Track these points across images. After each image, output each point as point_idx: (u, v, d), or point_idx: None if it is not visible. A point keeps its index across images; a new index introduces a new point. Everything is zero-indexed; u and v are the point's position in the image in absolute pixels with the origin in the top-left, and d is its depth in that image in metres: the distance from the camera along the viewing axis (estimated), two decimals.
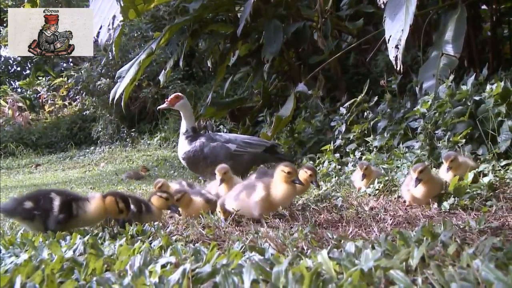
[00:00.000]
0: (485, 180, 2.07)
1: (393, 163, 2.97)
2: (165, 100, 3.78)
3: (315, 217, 1.95)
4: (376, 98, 3.73)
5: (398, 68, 2.83)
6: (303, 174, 2.11)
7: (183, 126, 3.75)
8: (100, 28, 4.37)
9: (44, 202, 1.78)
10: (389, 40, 2.92)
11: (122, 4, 4.04)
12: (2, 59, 17.38)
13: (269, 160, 3.87)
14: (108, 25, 4.23)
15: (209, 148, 3.63)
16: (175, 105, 3.71)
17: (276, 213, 2.13)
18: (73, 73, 11.19)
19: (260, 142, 3.75)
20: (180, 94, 3.78)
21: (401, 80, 3.84)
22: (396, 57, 2.84)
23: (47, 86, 14.07)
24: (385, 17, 3.05)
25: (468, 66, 4.42)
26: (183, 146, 3.73)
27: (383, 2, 3.26)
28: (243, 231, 1.73)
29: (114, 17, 4.14)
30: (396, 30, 2.88)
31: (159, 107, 3.92)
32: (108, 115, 11.26)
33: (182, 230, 1.82)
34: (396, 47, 2.84)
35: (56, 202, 1.78)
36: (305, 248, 1.36)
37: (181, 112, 3.78)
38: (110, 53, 10.54)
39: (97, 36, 4.43)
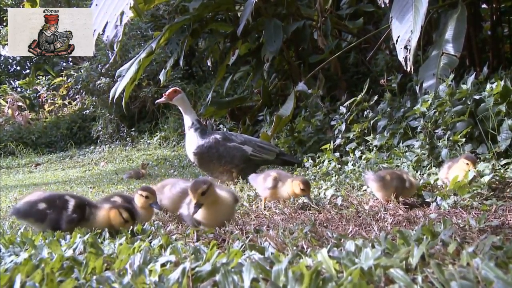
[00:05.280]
0: (485, 179, 2.07)
1: (393, 162, 2.97)
2: (163, 94, 3.75)
3: (315, 216, 1.95)
4: (376, 97, 3.73)
5: (408, 69, 2.83)
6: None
7: (187, 120, 3.68)
8: (106, 25, 4.32)
9: (58, 203, 1.81)
10: (397, 41, 2.91)
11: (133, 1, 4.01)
12: (2, 58, 17.38)
13: (276, 163, 3.88)
14: (116, 22, 4.18)
15: (225, 147, 3.56)
16: (172, 99, 3.66)
17: (276, 212, 2.13)
18: (73, 73, 11.20)
19: (272, 148, 3.74)
20: (178, 88, 3.73)
21: (401, 79, 3.84)
22: (405, 58, 2.84)
23: (47, 86, 14.10)
24: (391, 17, 3.04)
25: (468, 65, 4.42)
26: (194, 140, 3.61)
27: (384, 1, 3.26)
28: (243, 230, 1.72)
29: (122, 13, 4.09)
30: (405, 31, 2.87)
31: (157, 101, 3.89)
32: (108, 114, 11.28)
33: (182, 229, 1.81)
34: (405, 47, 2.83)
35: (71, 203, 1.80)
36: (305, 247, 1.36)
37: (180, 108, 3.75)
38: (109, 52, 10.57)
39: (103, 32, 4.36)
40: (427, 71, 3.35)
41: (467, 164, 2.12)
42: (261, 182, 2.36)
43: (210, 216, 1.70)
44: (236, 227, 1.79)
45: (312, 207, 2.09)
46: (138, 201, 1.96)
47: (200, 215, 1.69)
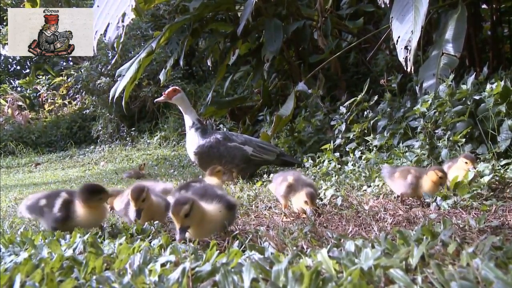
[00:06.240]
0: (485, 179, 2.08)
1: (393, 162, 2.97)
2: (163, 93, 3.75)
3: (314, 216, 1.95)
4: (376, 97, 3.73)
5: (409, 70, 2.83)
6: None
7: (188, 120, 3.68)
8: (108, 26, 4.31)
9: (52, 200, 1.79)
10: (397, 41, 2.91)
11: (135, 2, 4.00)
12: (2, 58, 17.38)
13: (276, 163, 3.88)
14: (118, 23, 4.18)
15: (226, 147, 3.57)
16: (172, 99, 3.65)
17: (276, 212, 2.13)
18: (73, 72, 11.20)
19: (272, 149, 3.75)
20: (177, 87, 3.73)
21: (401, 79, 3.83)
22: (406, 58, 2.84)
23: (47, 85, 14.10)
24: (391, 17, 3.04)
25: (468, 65, 4.42)
26: (195, 140, 3.61)
27: (384, 1, 3.26)
28: (243, 229, 1.73)
29: (124, 14, 4.08)
30: (405, 31, 2.87)
31: (156, 100, 3.88)
32: (108, 114, 11.28)
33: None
34: (406, 48, 2.83)
35: (59, 201, 1.77)
36: (305, 247, 1.36)
37: (180, 107, 3.74)
38: (109, 52, 10.58)
39: (105, 34, 4.35)
40: (427, 71, 3.35)
41: (466, 163, 2.13)
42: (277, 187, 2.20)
43: (199, 233, 1.52)
44: (236, 227, 1.79)
45: (310, 217, 1.92)
46: None
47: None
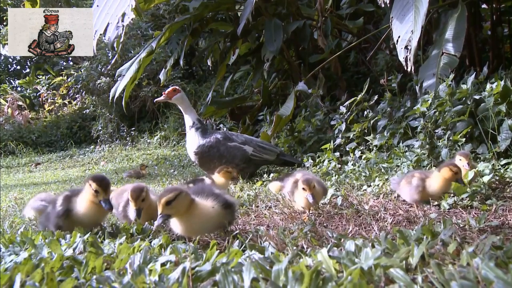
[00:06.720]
0: (485, 179, 2.08)
1: (393, 162, 2.97)
2: (163, 93, 3.74)
3: (314, 215, 1.95)
4: (376, 97, 3.73)
5: (409, 69, 2.83)
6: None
7: (188, 120, 3.67)
8: (108, 26, 4.30)
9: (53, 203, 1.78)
10: (397, 41, 2.91)
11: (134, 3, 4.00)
12: (2, 57, 17.38)
13: (276, 163, 3.88)
14: (118, 23, 4.17)
15: (226, 147, 3.57)
16: (172, 98, 3.65)
17: (276, 212, 2.13)
18: (73, 72, 11.20)
19: (272, 149, 3.75)
20: (177, 87, 3.72)
21: (401, 79, 3.83)
22: (406, 58, 2.84)
23: (47, 85, 14.11)
24: (392, 17, 3.04)
25: (468, 65, 4.42)
26: (195, 140, 3.61)
27: (384, 1, 3.26)
28: (243, 229, 1.73)
29: (124, 14, 4.08)
30: (405, 31, 2.87)
31: (156, 100, 3.87)
32: (108, 113, 11.28)
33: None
34: (406, 48, 2.84)
35: (59, 202, 1.74)
36: (305, 246, 1.36)
37: (180, 107, 3.74)
38: (109, 52, 10.57)
39: (104, 33, 4.34)
40: (427, 70, 3.35)
41: (460, 160, 2.13)
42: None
43: (190, 229, 1.51)
44: (236, 226, 1.79)
45: (312, 208, 2.06)
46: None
47: (177, 227, 1.52)
